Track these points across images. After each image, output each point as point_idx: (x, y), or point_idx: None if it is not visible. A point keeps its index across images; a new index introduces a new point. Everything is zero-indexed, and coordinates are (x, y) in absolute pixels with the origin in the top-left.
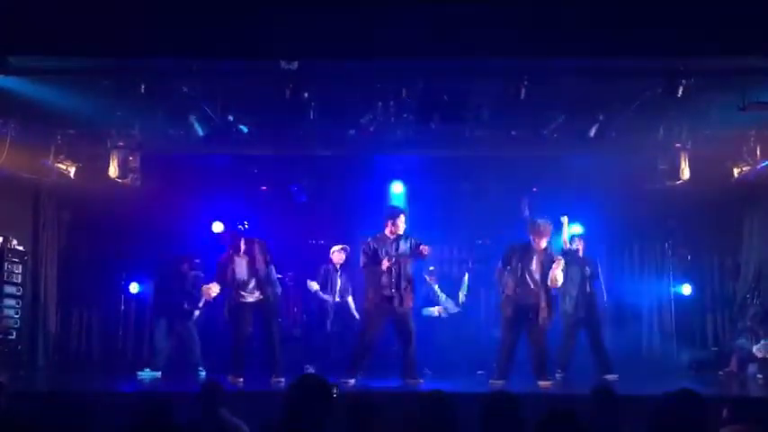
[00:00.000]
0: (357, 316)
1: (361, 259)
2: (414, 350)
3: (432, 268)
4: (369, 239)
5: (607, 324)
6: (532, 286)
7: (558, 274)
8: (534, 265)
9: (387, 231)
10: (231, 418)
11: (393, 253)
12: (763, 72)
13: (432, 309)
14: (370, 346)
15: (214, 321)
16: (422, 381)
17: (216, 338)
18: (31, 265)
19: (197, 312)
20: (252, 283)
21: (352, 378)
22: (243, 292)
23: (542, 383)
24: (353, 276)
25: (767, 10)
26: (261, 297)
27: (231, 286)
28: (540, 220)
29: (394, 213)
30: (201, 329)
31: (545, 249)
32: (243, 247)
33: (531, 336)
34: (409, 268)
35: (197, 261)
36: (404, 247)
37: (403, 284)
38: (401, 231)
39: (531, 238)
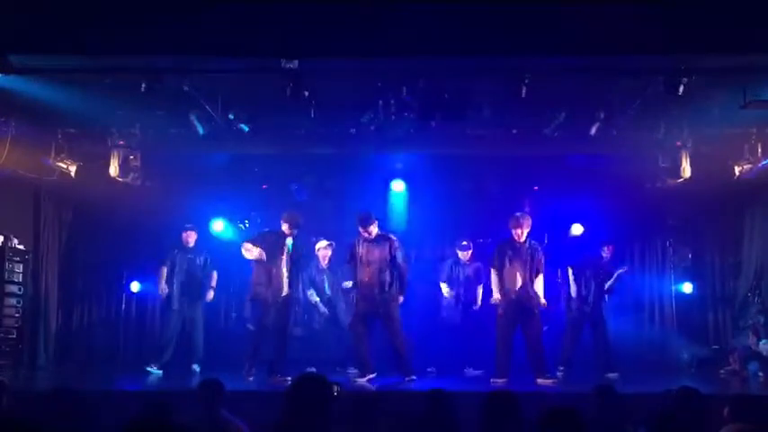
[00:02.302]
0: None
1: (346, 260)
2: (402, 346)
3: (464, 242)
4: (353, 244)
5: (609, 322)
6: (521, 281)
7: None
8: (521, 259)
9: (362, 235)
10: (231, 418)
11: (374, 256)
12: (764, 70)
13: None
14: (366, 342)
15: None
16: (414, 378)
17: (217, 337)
18: (32, 264)
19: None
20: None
21: (371, 374)
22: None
23: (541, 381)
24: (340, 273)
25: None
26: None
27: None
28: (517, 213)
29: (362, 222)
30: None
31: (526, 242)
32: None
33: (526, 332)
34: (390, 267)
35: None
36: (381, 248)
37: (386, 284)
38: (374, 235)
39: (512, 231)
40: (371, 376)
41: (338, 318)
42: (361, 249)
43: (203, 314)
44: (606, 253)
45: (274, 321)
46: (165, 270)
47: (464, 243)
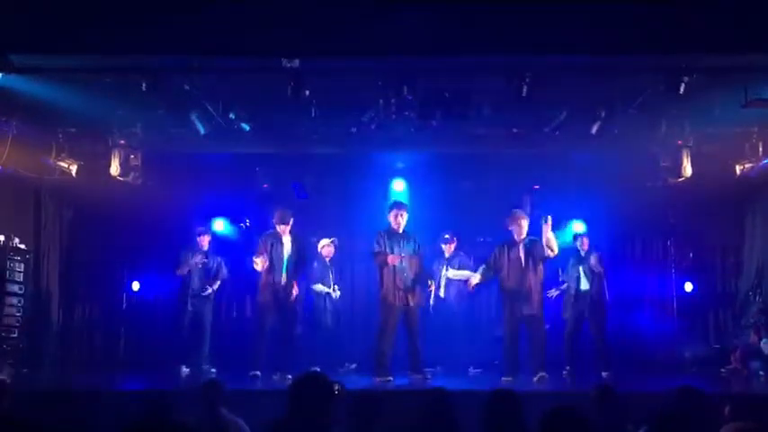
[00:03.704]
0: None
1: (375, 249)
2: (420, 345)
3: (447, 236)
4: (381, 232)
5: (609, 321)
6: (521, 278)
7: (550, 237)
8: (520, 256)
9: (392, 224)
10: (231, 417)
11: (402, 249)
12: (765, 69)
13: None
14: (392, 341)
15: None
16: (429, 377)
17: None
18: (32, 264)
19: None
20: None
21: (389, 376)
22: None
23: (536, 377)
24: (343, 269)
25: None
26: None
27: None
28: (515, 209)
29: (398, 206)
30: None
31: (525, 239)
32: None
33: (528, 328)
34: (417, 264)
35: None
36: (409, 245)
37: (412, 279)
38: (403, 227)
39: (511, 229)
40: (390, 379)
41: (345, 314)
42: (389, 243)
43: (211, 315)
44: (582, 245)
45: (278, 322)
46: (182, 271)
47: (446, 236)
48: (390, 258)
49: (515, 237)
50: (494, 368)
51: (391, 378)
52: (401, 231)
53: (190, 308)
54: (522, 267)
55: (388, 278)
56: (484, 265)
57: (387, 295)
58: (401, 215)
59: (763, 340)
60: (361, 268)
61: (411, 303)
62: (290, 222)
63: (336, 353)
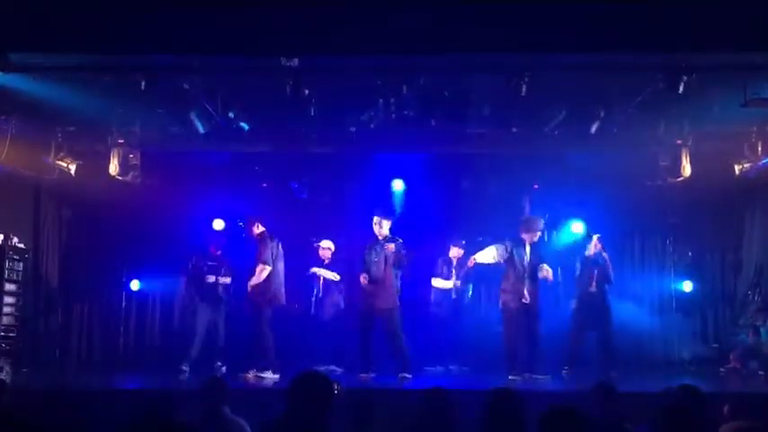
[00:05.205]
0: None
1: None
2: (401, 346)
3: (463, 242)
4: (369, 243)
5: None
6: (524, 280)
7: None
8: (526, 260)
9: (375, 231)
10: (233, 417)
11: (380, 254)
12: (765, 68)
13: (443, 282)
14: (370, 341)
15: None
16: (409, 376)
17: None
18: (32, 263)
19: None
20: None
21: (367, 372)
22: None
23: (535, 377)
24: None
25: None
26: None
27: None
28: (532, 216)
29: (377, 213)
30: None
31: (534, 244)
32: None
33: (527, 329)
34: (392, 269)
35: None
36: (390, 249)
37: (386, 283)
38: (384, 234)
39: (523, 233)
40: (370, 375)
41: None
42: (373, 248)
43: (224, 317)
44: (594, 247)
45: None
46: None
47: (463, 242)
48: (362, 278)
49: (526, 241)
50: (493, 366)
51: (367, 375)
52: (382, 238)
53: (200, 312)
54: (525, 267)
55: (367, 282)
56: (503, 245)
57: (364, 298)
58: (379, 224)
59: (763, 339)
60: (358, 268)
61: (382, 306)
62: (257, 225)
63: (331, 353)
